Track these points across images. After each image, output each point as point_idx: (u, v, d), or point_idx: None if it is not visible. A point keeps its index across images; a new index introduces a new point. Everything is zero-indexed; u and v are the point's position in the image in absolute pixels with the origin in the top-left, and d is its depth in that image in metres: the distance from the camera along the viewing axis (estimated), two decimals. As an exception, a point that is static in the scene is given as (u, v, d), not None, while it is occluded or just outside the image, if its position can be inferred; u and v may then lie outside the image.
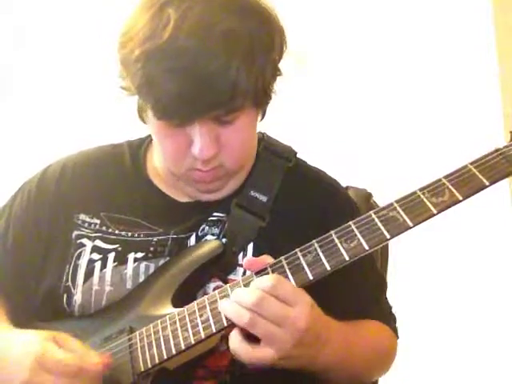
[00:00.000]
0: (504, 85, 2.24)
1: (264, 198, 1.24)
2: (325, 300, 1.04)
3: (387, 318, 1.29)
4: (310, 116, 2.40)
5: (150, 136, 1.36)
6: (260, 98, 1.17)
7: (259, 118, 1.24)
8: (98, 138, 2.35)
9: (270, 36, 1.15)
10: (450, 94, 2.30)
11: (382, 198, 1.40)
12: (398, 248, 1.43)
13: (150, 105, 1.11)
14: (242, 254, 1.21)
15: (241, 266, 1.20)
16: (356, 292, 1.24)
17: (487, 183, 0.97)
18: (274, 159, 1.29)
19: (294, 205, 1.26)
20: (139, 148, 1.35)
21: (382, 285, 1.34)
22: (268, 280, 0.99)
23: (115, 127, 2.47)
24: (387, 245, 1.45)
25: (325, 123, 2.40)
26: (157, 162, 1.31)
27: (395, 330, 1.30)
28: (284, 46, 1.19)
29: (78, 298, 1.22)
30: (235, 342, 0.99)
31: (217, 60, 1.06)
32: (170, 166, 1.21)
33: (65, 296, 1.23)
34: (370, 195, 1.50)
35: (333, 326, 1.07)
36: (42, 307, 1.25)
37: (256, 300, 0.97)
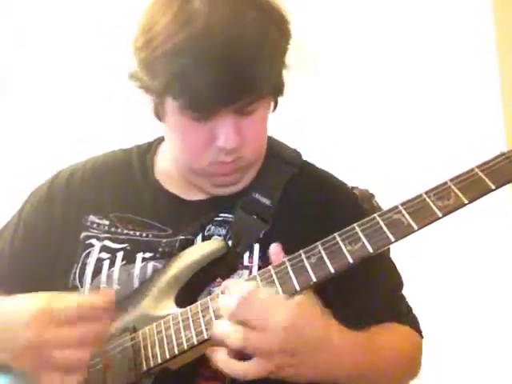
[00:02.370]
0: (504, 85, 2.24)
1: (267, 202, 1.25)
2: (340, 304, 1.04)
3: (407, 319, 1.27)
4: (313, 116, 2.41)
5: (157, 139, 1.38)
6: (278, 88, 1.20)
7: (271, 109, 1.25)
8: (97, 137, 2.37)
9: (286, 27, 1.18)
10: (450, 95, 2.30)
11: (383, 199, 1.41)
12: (399, 248, 1.43)
13: (183, 98, 1.10)
14: (248, 254, 1.21)
15: (246, 267, 1.20)
16: (372, 294, 1.22)
17: (493, 187, 0.97)
18: (279, 164, 1.30)
19: (299, 208, 1.26)
20: (147, 151, 1.37)
21: (399, 285, 1.31)
22: (246, 287, 0.99)
23: (115, 127, 2.47)
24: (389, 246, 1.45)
25: (327, 124, 2.40)
26: (168, 163, 1.32)
27: (418, 331, 1.27)
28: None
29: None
30: (225, 361, 0.98)
31: (252, 46, 1.08)
32: (191, 162, 1.21)
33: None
34: (372, 196, 1.49)
35: (349, 336, 1.04)
36: None
37: (237, 303, 0.97)
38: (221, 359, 0.98)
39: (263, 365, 0.97)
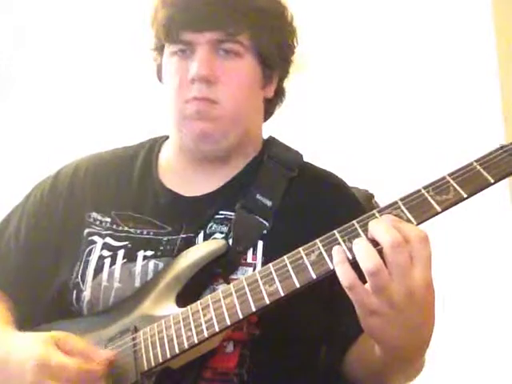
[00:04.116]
0: (504, 85, 2.24)
1: (268, 203, 1.26)
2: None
3: None
4: (312, 117, 2.41)
5: (161, 138, 1.41)
6: (265, 56, 1.28)
7: (262, 83, 1.31)
8: (98, 137, 2.37)
9: (281, 11, 1.31)
10: (450, 94, 2.30)
11: (383, 199, 1.41)
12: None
13: (164, 29, 1.24)
14: (251, 251, 1.22)
15: (249, 264, 1.21)
16: None
17: (492, 180, 0.96)
18: (279, 167, 1.32)
19: (300, 209, 1.27)
20: (151, 149, 1.39)
21: None
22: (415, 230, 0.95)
23: (115, 127, 2.47)
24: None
25: (326, 124, 2.40)
26: (171, 154, 1.35)
27: None
28: (294, 36, 1.34)
29: (86, 294, 1.23)
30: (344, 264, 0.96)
31: None
32: (174, 105, 1.27)
33: (74, 292, 1.24)
34: (371, 196, 1.50)
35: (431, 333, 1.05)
36: (53, 304, 1.27)
37: (395, 240, 0.93)
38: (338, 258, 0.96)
39: (369, 298, 0.94)
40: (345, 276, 0.95)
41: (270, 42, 1.28)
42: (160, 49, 1.31)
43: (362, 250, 0.95)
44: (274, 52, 1.30)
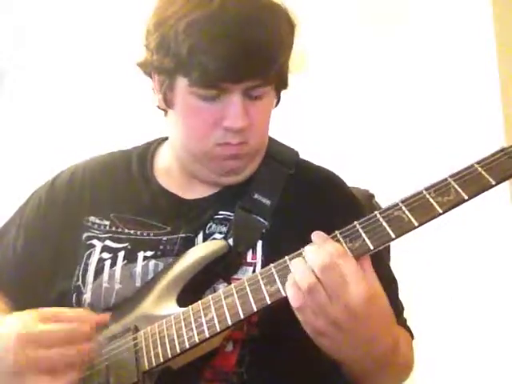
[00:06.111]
0: (504, 85, 2.24)
1: (267, 202, 1.26)
2: None
3: (401, 319, 1.28)
4: (312, 117, 2.41)
5: (156, 141, 1.40)
6: (283, 80, 1.26)
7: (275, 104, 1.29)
8: (97, 137, 2.38)
9: (293, 23, 1.23)
10: (450, 95, 2.30)
11: (383, 199, 1.41)
12: (398, 247, 1.43)
13: (194, 74, 1.13)
14: (251, 251, 1.22)
15: (249, 264, 1.20)
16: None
17: (493, 182, 0.97)
18: (276, 165, 1.31)
19: (299, 207, 1.27)
20: (146, 151, 1.38)
21: (397, 284, 1.32)
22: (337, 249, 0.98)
23: (115, 127, 2.48)
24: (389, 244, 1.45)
25: (326, 124, 2.41)
26: (168, 161, 1.33)
27: (409, 331, 1.29)
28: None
29: (87, 296, 1.23)
30: (290, 284, 0.99)
31: (264, 29, 1.15)
32: (196, 145, 1.22)
33: (74, 296, 1.24)
34: (372, 196, 1.50)
35: (390, 344, 1.06)
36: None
37: (323, 263, 0.96)
38: (289, 282, 0.99)
39: (316, 320, 0.97)
40: (294, 298, 0.97)
41: (287, 71, 1.26)
42: (171, 74, 1.19)
43: (298, 270, 0.98)
44: (288, 76, 1.27)
